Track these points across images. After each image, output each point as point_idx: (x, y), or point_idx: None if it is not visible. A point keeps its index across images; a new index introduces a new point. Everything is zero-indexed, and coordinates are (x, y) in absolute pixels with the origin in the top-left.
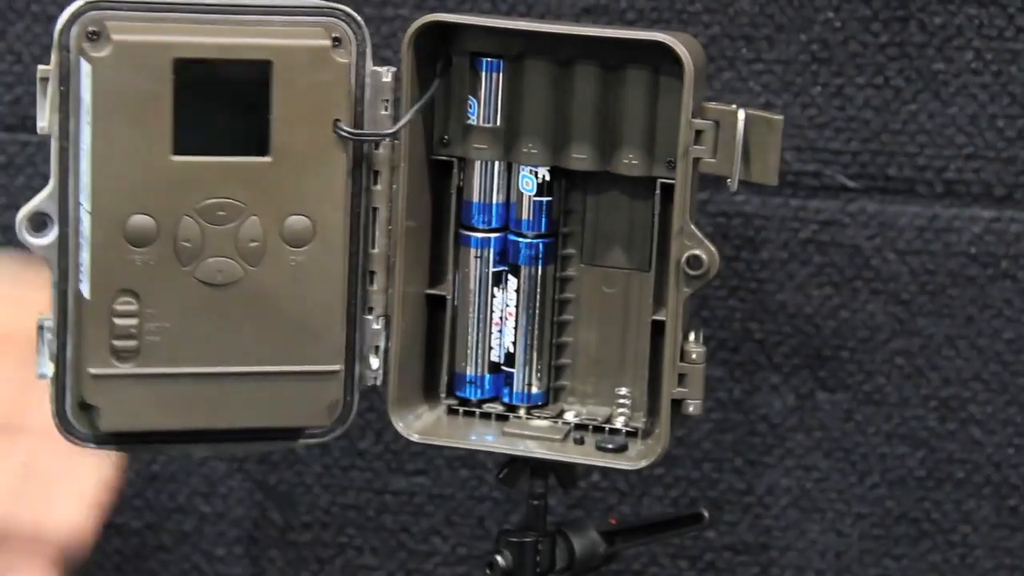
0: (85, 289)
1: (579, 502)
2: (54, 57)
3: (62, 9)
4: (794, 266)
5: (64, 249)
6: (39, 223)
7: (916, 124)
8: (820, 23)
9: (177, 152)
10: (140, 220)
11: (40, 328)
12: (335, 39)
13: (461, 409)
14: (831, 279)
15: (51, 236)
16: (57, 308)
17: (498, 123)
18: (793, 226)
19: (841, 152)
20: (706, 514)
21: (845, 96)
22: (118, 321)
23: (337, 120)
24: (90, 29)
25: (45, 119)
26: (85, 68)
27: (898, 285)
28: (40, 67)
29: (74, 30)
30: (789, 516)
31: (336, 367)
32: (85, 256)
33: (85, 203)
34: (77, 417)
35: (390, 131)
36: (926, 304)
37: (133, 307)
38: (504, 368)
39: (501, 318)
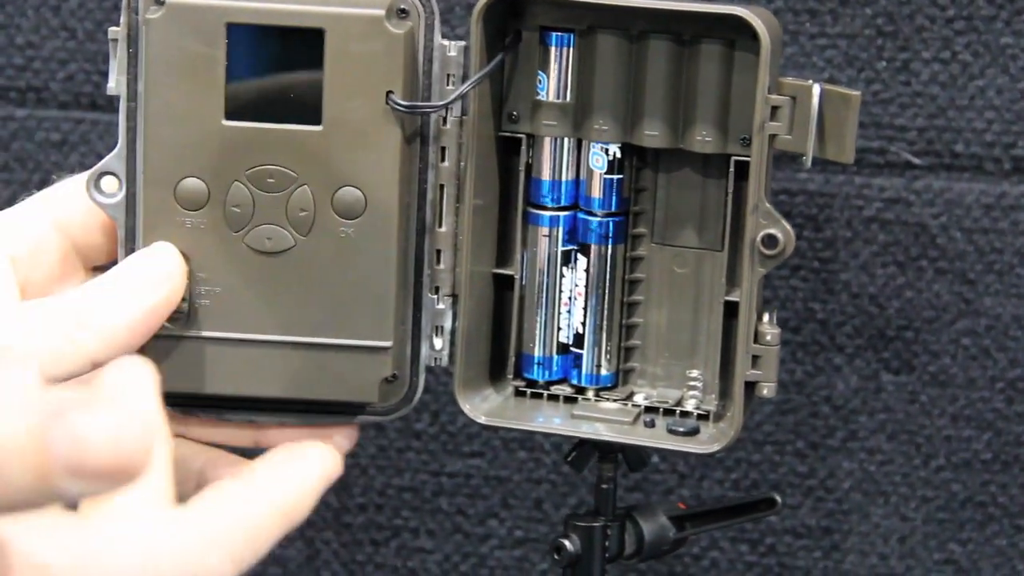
0: (138, 248)
1: (638, 484)
2: (123, 18)
3: None
4: (858, 245)
5: (132, 208)
6: (107, 183)
7: (984, 99)
8: None
9: (229, 117)
10: (191, 183)
11: None
12: (401, 10)
13: (528, 391)
14: (896, 258)
15: (119, 196)
16: None
17: (568, 99)
18: (857, 204)
19: (906, 128)
20: (779, 499)
21: (911, 71)
22: None
23: (390, 92)
24: None
25: (114, 80)
26: (143, 30)
27: (964, 264)
28: (111, 28)
29: None
30: (852, 499)
31: (387, 343)
32: (139, 216)
33: (139, 164)
34: None
35: (441, 104)
36: (993, 284)
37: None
38: (573, 349)
39: (570, 298)
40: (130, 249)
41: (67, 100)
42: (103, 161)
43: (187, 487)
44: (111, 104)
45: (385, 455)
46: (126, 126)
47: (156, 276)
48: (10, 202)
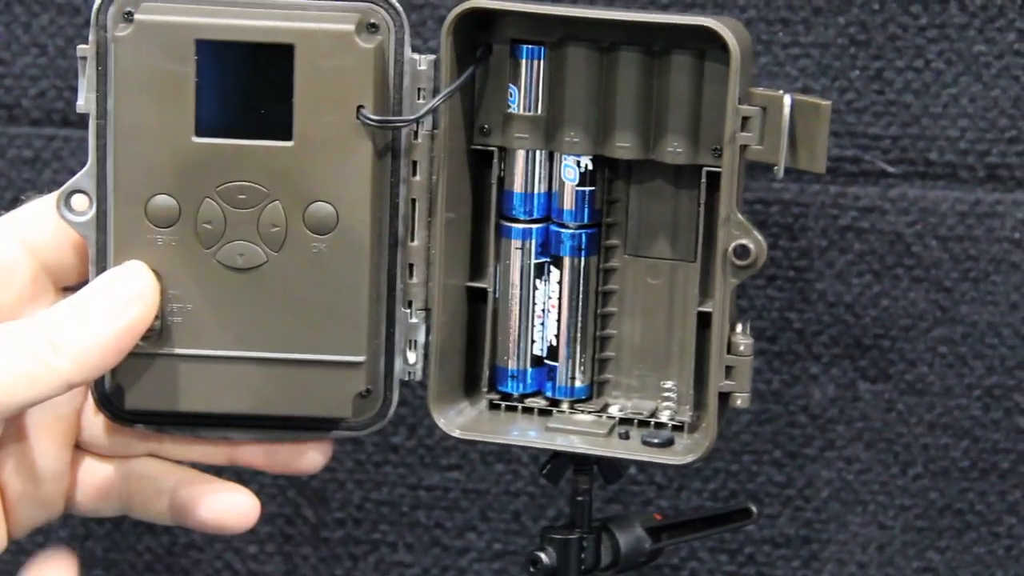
0: (109, 266)
1: (616, 496)
2: (92, 36)
3: (87, 1)
4: (833, 254)
5: (103, 226)
6: (77, 201)
7: (957, 107)
8: (858, 5)
9: (199, 134)
10: (162, 200)
11: None
12: (371, 25)
13: (503, 404)
14: (871, 267)
15: (89, 214)
16: None
17: (539, 111)
18: (832, 213)
19: (880, 137)
20: (754, 509)
21: (884, 80)
22: None
23: (361, 107)
24: (126, 9)
25: (83, 97)
26: (112, 47)
27: (940, 272)
28: (79, 47)
29: (111, 10)
30: (830, 508)
31: (360, 358)
32: (110, 234)
33: (109, 181)
34: (115, 396)
35: (412, 118)
36: (969, 291)
37: None
38: (547, 362)
39: (544, 311)
40: (101, 267)
41: (39, 117)
42: (73, 179)
43: (159, 506)
44: (83, 121)
45: (363, 469)
46: (96, 144)
47: (129, 295)
48: None
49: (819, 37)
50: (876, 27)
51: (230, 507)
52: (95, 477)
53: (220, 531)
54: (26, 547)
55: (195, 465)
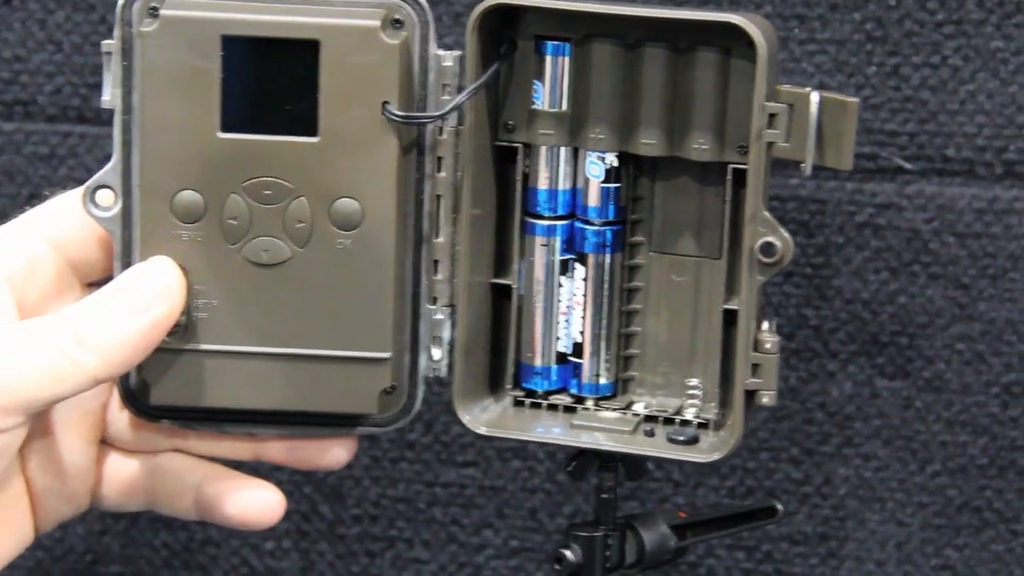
0: (134, 262)
1: (633, 492)
2: (117, 31)
3: None
4: (850, 251)
5: (128, 222)
6: (103, 196)
7: (975, 103)
8: (875, 1)
9: (224, 129)
10: (187, 196)
11: None
12: (396, 21)
13: (528, 401)
14: (888, 263)
15: (114, 209)
16: None
17: (564, 108)
18: (849, 210)
19: (897, 133)
20: (780, 507)
21: (901, 76)
22: None
23: (386, 102)
24: (151, 5)
25: (108, 92)
26: (137, 43)
27: (958, 269)
28: (104, 42)
29: (136, 5)
30: (848, 506)
31: (385, 354)
32: (136, 230)
33: (135, 177)
34: (140, 392)
35: (437, 114)
36: (986, 288)
37: None
38: (571, 359)
39: (568, 308)
40: (126, 263)
41: (55, 113)
42: (98, 174)
43: (184, 501)
44: (99, 117)
45: (379, 466)
46: (121, 139)
47: (155, 291)
48: None
49: (835, 33)
50: (893, 23)
51: (256, 503)
52: (121, 472)
53: (245, 527)
54: (43, 542)
55: (220, 460)
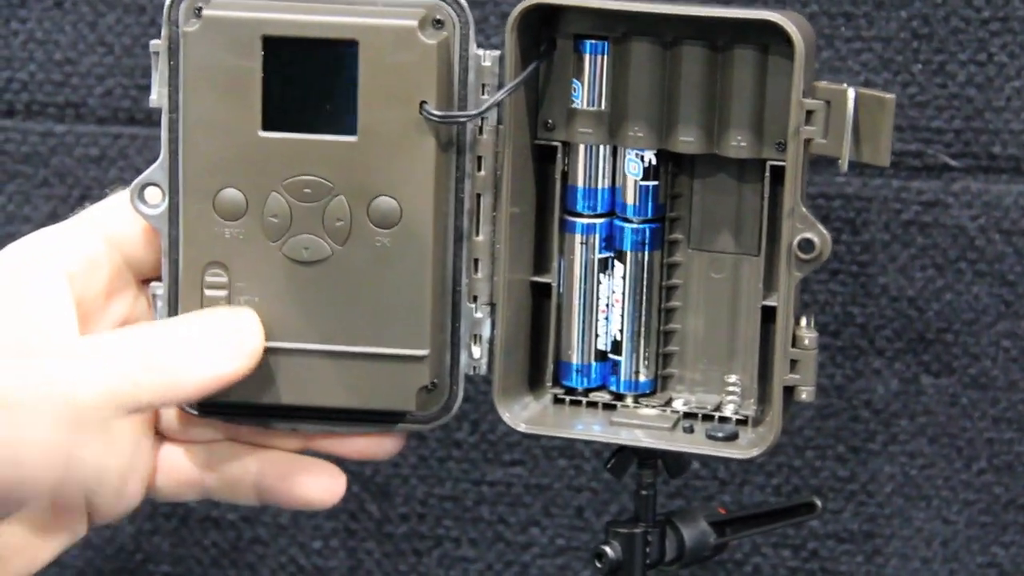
0: (179, 259)
1: (679, 490)
2: (164, 31)
3: (153, 1)
4: (896, 248)
5: (174, 219)
6: (151, 193)
7: (1021, 100)
8: None
9: (266, 128)
10: (230, 193)
11: (153, 296)
12: (436, 21)
13: (567, 398)
14: (934, 261)
15: (162, 206)
16: (169, 277)
17: (603, 106)
18: (895, 207)
19: (943, 131)
20: (819, 503)
21: (947, 73)
22: (208, 292)
23: (424, 102)
24: (196, 5)
25: (156, 92)
26: (182, 42)
27: (1003, 266)
28: (152, 42)
29: (182, 6)
30: (894, 503)
31: (423, 352)
32: (181, 227)
33: (180, 175)
34: None
35: (474, 113)
36: None
37: (223, 279)
38: (611, 356)
39: (607, 305)
40: (173, 259)
41: (105, 115)
42: (146, 172)
43: (243, 488)
44: (149, 118)
45: (426, 465)
46: (168, 137)
47: (234, 351)
48: (51, 216)
49: (881, 31)
50: (938, 20)
51: (320, 483)
52: (176, 463)
53: (309, 507)
54: (93, 541)
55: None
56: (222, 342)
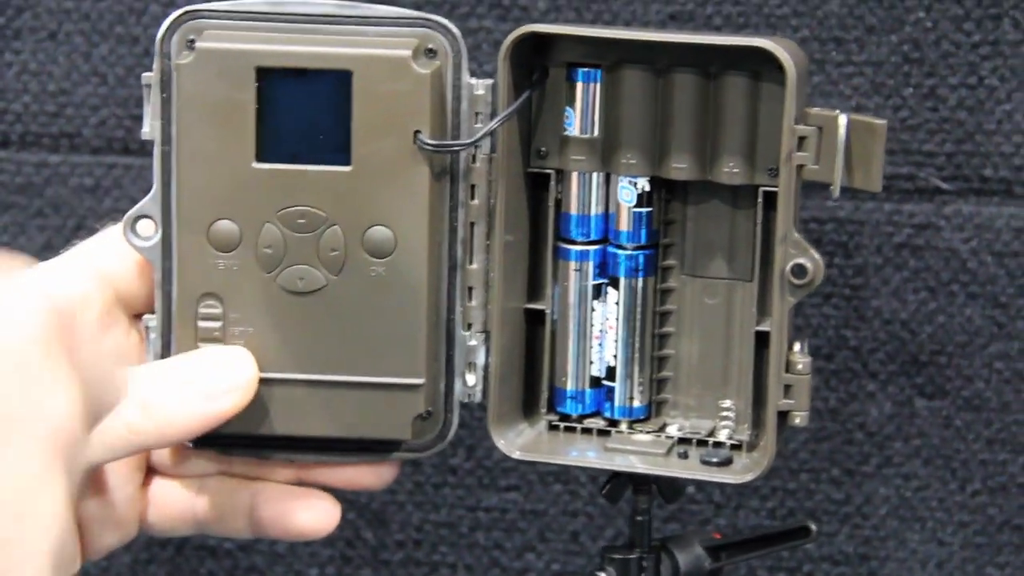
0: (173, 291)
1: (674, 515)
2: (156, 63)
3: (146, 31)
4: (889, 271)
5: (167, 251)
6: (143, 226)
7: (1011, 123)
8: (911, 23)
9: (260, 159)
10: (224, 225)
11: (146, 328)
12: (429, 50)
13: (562, 425)
14: (927, 283)
15: (155, 239)
16: (162, 308)
17: (596, 134)
18: (887, 230)
19: (935, 154)
20: (813, 527)
21: (938, 97)
22: (203, 324)
23: (418, 131)
24: (188, 37)
25: (148, 124)
26: (175, 75)
27: (996, 288)
28: (144, 74)
29: (174, 38)
30: (889, 526)
31: (419, 380)
32: (174, 259)
33: (173, 207)
34: None
35: (468, 142)
36: None
37: (217, 310)
38: (605, 382)
39: (601, 331)
40: (166, 292)
41: (100, 145)
42: (139, 204)
43: (237, 521)
44: (143, 148)
45: (421, 491)
46: (161, 169)
47: (229, 385)
48: (45, 247)
49: (872, 55)
50: (929, 45)
51: (315, 514)
52: (169, 497)
53: (304, 538)
54: (90, 570)
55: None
56: (216, 381)
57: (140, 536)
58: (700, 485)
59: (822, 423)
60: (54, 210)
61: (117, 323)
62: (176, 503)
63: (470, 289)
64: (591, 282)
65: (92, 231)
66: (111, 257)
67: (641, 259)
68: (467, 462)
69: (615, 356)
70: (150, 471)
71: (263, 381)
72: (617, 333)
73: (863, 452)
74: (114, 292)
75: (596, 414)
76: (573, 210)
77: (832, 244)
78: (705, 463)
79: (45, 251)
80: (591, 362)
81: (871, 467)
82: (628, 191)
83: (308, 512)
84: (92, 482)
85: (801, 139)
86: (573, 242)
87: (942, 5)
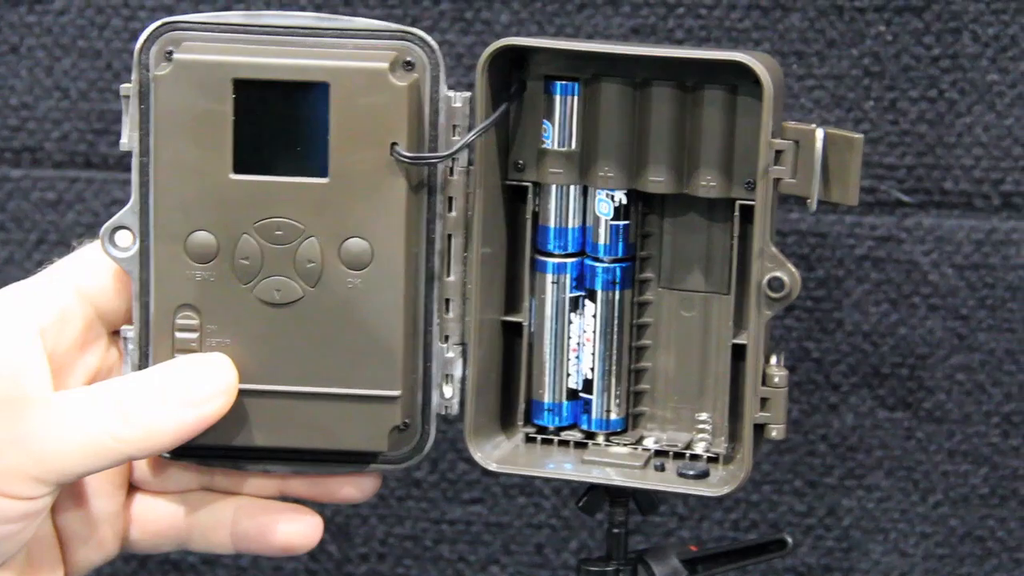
0: (151, 302)
1: (638, 527)
2: (134, 75)
3: (108, 44)
4: (851, 283)
5: (145, 262)
6: (121, 237)
7: (971, 136)
8: (871, 37)
9: (237, 170)
10: (201, 236)
11: (124, 339)
12: (407, 63)
13: (539, 437)
14: (888, 296)
15: (132, 250)
16: (140, 320)
17: (573, 147)
18: (849, 243)
19: (896, 167)
20: (789, 540)
21: (898, 110)
22: (180, 335)
23: (395, 144)
24: (167, 49)
25: (126, 135)
26: (152, 86)
27: (957, 300)
28: (123, 85)
29: (152, 49)
30: (852, 537)
31: (395, 392)
32: (152, 271)
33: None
34: None
35: (445, 154)
36: (986, 319)
37: (194, 322)
38: (582, 395)
39: (579, 344)
40: (144, 303)
41: (62, 159)
42: (117, 215)
43: (219, 537)
44: (105, 162)
45: (386, 504)
46: (139, 181)
47: (211, 391)
48: (7, 261)
49: (833, 69)
50: (889, 58)
51: (297, 530)
52: (150, 514)
53: (287, 553)
54: None
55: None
56: (197, 388)
57: (124, 553)
58: (666, 497)
59: (785, 435)
60: (16, 224)
61: (98, 339)
62: (158, 519)
63: (447, 301)
64: (568, 295)
65: (54, 245)
66: (90, 274)
67: (618, 272)
68: (431, 475)
69: (592, 369)
70: (132, 488)
71: (240, 392)
72: (594, 346)
73: (826, 464)
74: (93, 309)
75: (573, 426)
76: (551, 223)
77: (794, 256)
78: (682, 476)
79: (7, 265)
80: (568, 374)
81: (834, 479)
82: (605, 204)
83: (290, 526)
84: (74, 499)
85: (778, 153)
86: (550, 255)
87: (902, 19)
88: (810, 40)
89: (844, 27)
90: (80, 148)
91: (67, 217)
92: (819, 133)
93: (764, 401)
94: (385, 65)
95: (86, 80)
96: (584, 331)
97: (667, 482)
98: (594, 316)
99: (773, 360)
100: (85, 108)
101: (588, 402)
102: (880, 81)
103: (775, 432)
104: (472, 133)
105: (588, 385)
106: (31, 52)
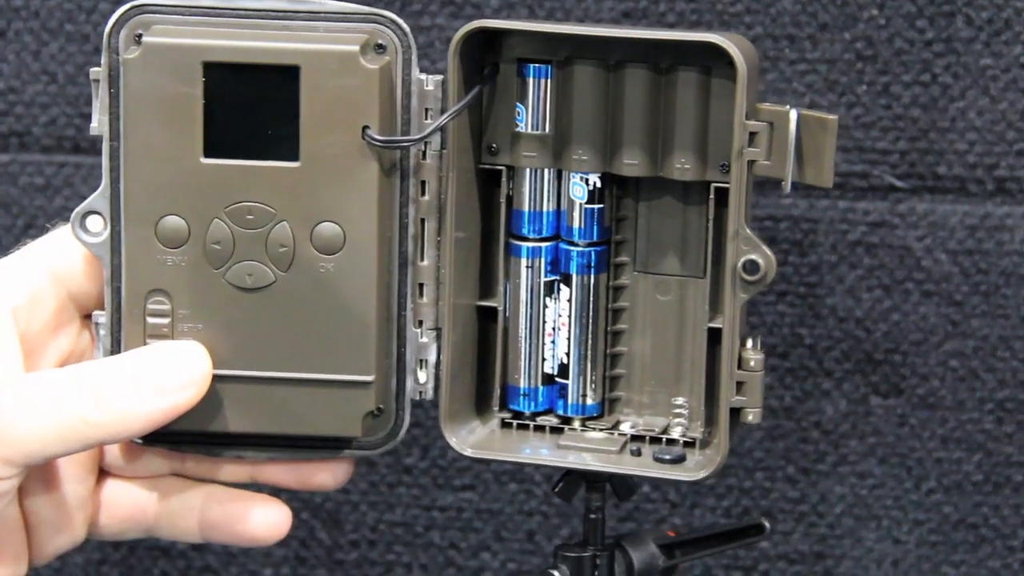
0: (122, 287)
1: (630, 514)
2: (104, 58)
3: (95, 28)
4: (843, 269)
5: (116, 247)
6: (93, 222)
7: (965, 121)
8: (864, 20)
9: (207, 154)
10: (172, 221)
11: (95, 325)
12: (378, 46)
13: (515, 422)
14: (881, 281)
15: (104, 235)
16: (111, 305)
17: (547, 130)
18: (842, 228)
19: (889, 152)
20: (767, 524)
21: (891, 94)
22: (151, 320)
23: (366, 127)
24: (136, 32)
25: (96, 120)
26: (122, 70)
27: (950, 286)
28: (92, 69)
29: (122, 33)
30: (844, 524)
31: (369, 377)
32: (123, 256)
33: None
34: None
35: (416, 138)
36: (979, 305)
37: (166, 307)
38: (558, 380)
39: (554, 329)
40: (116, 288)
41: (49, 144)
42: (88, 200)
43: (187, 524)
44: (94, 147)
45: (376, 490)
46: (109, 165)
47: (185, 380)
48: None
49: (826, 53)
50: (882, 42)
51: (264, 519)
52: (119, 500)
53: (254, 544)
54: (42, 573)
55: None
56: (170, 374)
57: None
58: (656, 484)
59: (777, 421)
60: (4, 209)
61: (70, 322)
62: (127, 505)
63: (421, 286)
64: (543, 279)
65: (43, 230)
66: (63, 256)
67: (593, 256)
68: (422, 461)
69: (567, 353)
70: (102, 473)
71: (213, 378)
72: (570, 330)
73: (818, 450)
74: (66, 291)
75: (549, 411)
76: (525, 207)
77: (787, 242)
78: (658, 460)
79: None
80: (544, 359)
81: (826, 465)
82: (580, 187)
83: (257, 517)
84: (44, 483)
85: (752, 135)
86: (525, 239)
87: (895, 2)
88: (802, 24)
89: (837, 11)
90: (68, 133)
91: (55, 202)
92: (792, 114)
93: (740, 385)
94: (356, 48)
95: (74, 64)
96: (559, 315)
97: (643, 467)
98: (569, 300)
99: (749, 344)
100: (73, 92)
101: (564, 387)
102: (873, 65)
103: (751, 416)
104: (444, 116)
105: (564, 370)
106: (18, 36)
